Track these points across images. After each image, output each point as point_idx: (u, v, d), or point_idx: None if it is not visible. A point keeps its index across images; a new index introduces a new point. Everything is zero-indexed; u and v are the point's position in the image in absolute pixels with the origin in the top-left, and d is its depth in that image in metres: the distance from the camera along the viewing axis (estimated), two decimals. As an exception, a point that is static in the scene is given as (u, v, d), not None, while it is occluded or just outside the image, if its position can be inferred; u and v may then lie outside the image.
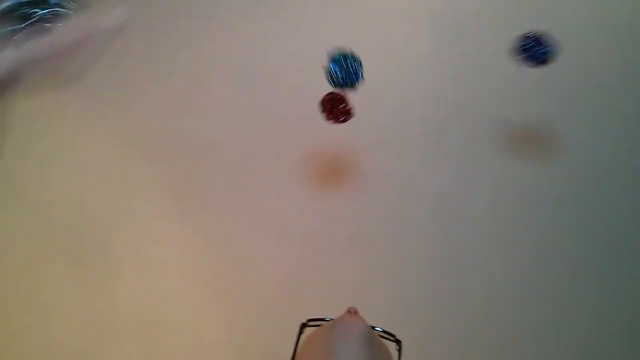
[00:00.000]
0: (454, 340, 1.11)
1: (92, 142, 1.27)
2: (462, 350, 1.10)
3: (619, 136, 1.23)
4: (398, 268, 1.18)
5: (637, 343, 1.09)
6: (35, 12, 0.29)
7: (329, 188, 1.23)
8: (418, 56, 1.30)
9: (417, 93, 1.26)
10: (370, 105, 1.24)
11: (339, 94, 0.98)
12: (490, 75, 1.28)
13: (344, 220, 1.22)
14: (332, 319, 0.73)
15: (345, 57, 0.95)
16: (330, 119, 1.00)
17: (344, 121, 1.00)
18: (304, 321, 0.75)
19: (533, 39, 1.01)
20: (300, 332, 0.73)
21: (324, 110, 1.00)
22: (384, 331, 0.72)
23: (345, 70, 0.95)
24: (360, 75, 0.96)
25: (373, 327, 0.69)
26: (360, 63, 0.96)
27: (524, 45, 1.01)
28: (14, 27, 0.29)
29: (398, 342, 0.71)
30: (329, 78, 0.95)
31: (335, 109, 0.98)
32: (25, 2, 0.29)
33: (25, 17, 0.28)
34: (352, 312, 0.71)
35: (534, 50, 1.00)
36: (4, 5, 0.29)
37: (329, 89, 0.98)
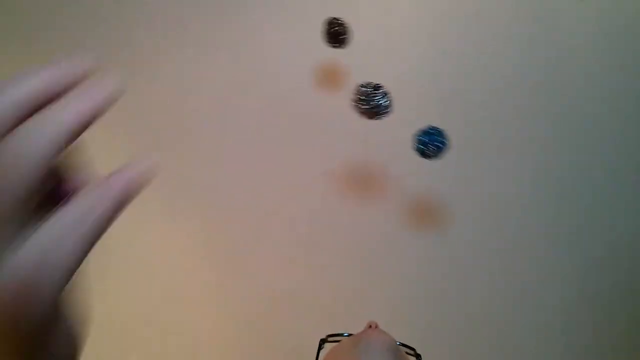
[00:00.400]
0: (457, 344, 1.13)
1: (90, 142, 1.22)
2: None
3: (621, 137, 1.25)
4: (403, 275, 1.19)
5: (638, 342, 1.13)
6: None
7: (340, 196, 1.23)
8: (418, 56, 1.29)
9: (418, 94, 1.26)
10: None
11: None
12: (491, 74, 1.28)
13: (353, 229, 1.22)
14: (350, 334, 0.72)
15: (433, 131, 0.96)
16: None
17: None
18: (323, 337, 0.75)
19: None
20: (320, 348, 0.73)
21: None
22: (402, 344, 0.72)
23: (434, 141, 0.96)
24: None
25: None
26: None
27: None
28: None
29: (418, 356, 0.72)
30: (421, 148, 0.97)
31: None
32: None
33: None
34: (372, 326, 0.70)
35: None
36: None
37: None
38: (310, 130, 1.25)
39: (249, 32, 1.29)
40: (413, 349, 0.71)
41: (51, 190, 0.28)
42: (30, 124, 0.23)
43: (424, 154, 0.97)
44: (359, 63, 1.24)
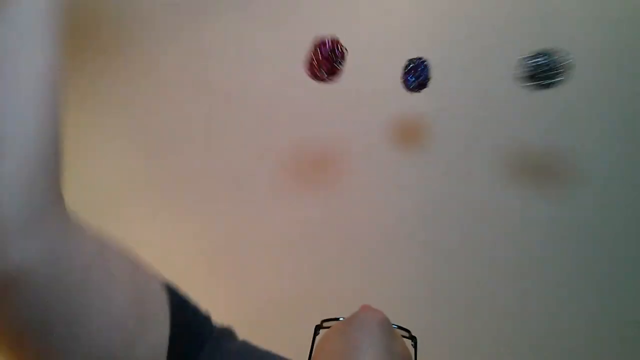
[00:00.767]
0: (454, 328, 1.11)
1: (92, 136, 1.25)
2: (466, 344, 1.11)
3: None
4: (398, 266, 1.19)
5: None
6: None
7: (327, 188, 1.23)
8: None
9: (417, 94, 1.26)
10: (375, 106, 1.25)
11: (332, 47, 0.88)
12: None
13: (345, 221, 1.22)
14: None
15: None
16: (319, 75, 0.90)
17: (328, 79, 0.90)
18: (318, 323, 0.74)
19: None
20: (316, 334, 0.73)
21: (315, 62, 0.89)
22: (398, 327, 0.72)
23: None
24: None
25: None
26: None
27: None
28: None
29: (413, 338, 0.71)
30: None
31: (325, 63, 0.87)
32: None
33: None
34: (366, 307, 0.70)
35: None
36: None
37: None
38: (310, 130, 1.26)
39: (247, 32, 1.31)
40: (408, 331, 0.71)
41: None
42: None
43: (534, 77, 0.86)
44: (359, 63, 1.26)
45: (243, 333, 1.19)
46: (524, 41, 1.28)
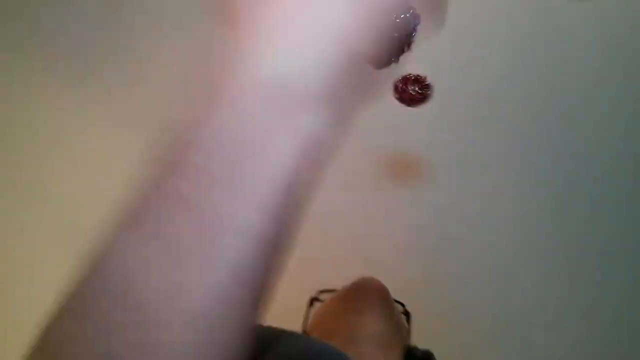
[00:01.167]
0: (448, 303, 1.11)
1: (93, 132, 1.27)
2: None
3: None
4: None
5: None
6: None
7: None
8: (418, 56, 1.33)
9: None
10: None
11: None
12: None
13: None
14: None
15: None
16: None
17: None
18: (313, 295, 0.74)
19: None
20: (310, 306, 0.72)
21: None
22: (395, 301, 0.72)
23: None
24: None
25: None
26: None
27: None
28: None
29: (407, 313, 0.71)
30: None
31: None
32: None
33: None
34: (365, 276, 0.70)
35: None
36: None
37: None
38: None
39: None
40: (403, 305, 0.71)
41: None
42: None
43: None
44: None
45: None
46: (524, 42, 1.31)
